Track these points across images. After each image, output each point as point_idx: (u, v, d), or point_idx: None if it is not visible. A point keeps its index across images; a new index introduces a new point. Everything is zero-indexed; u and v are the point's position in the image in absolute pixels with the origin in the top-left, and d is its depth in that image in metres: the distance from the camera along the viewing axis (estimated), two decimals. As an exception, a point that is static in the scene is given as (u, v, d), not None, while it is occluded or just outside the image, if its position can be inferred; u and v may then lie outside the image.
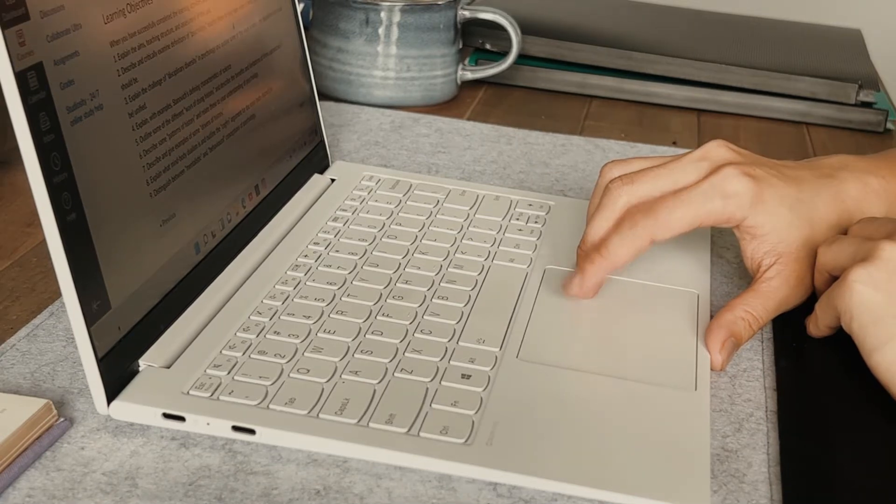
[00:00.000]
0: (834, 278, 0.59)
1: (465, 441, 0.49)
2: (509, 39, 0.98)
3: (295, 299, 0.59)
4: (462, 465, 0.48)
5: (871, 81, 1.02)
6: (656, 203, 0.60)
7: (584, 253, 0.62)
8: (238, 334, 0.55)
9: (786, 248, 0.61)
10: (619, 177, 0.62)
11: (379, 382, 0.52)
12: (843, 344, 0.58)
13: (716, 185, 0.60)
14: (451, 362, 0.55)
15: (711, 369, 0.57)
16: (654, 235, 0.60)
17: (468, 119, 0.96)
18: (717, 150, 0.62)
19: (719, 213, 0.60)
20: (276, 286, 0.60)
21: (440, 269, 0.64)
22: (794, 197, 0.61)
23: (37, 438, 0.48)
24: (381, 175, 0.77)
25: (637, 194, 0.61)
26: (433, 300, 0.60)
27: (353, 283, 0.61)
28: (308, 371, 0.53)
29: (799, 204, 0.61)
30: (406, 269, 0.64)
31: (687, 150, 0.64)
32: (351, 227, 0.69)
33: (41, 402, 0.49)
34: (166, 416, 0.49)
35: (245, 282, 0.61)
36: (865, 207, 0.63)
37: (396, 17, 0.94)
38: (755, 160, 0.63)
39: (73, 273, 0.47)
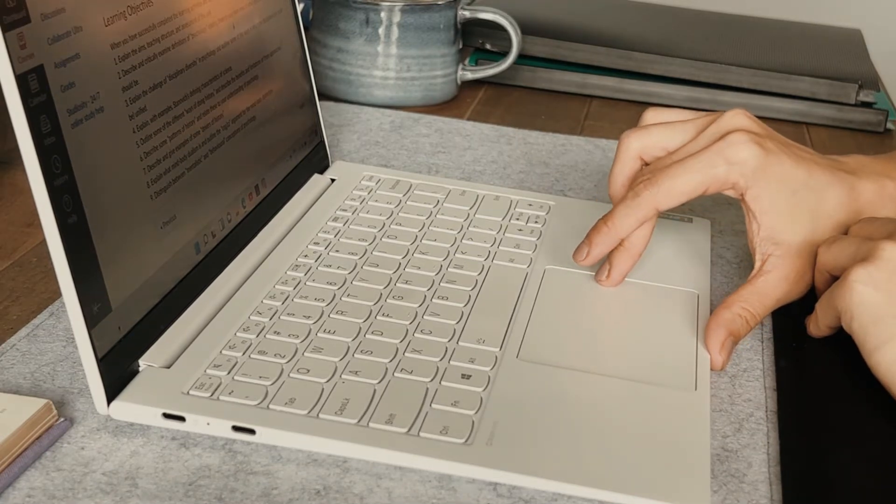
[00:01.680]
0: (834, 278, 0.59)
1: (465, 441, 0.49)
2: (509, 39, 0.98)
3: (295, 299, 0.59)
4: (462, 465, 0.48)
5: (871, 81, 1.02)
6: (659, 172, 0.60)
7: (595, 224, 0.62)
8: (238, 334, 0.55)
9: (785, 238, 0.60)
10: (633, 128, 0.63)
11: (379, 382, 0.52)
12: (843, 344, 0.58)
13: (721, 150, 0.59)
14: (451, 362, 0.55)
15: (712, 369, 0.57)
16: (658, 204, 0.60)
17: (468, 119, 0.96)
18: (733, 117, 0.61)
19: (723, 180, 0.59)
20: (276, 286, 0.60)
21: (440, 269, 0.64)
22: (802, 181, 0.60)
23: (37, 438, 0.48)
24: (381, 175, 0.77)
25: (648, 141, 0.62)
26: (433, 300, 0.60)
27: (353, 283, 0.62)
28: (308, 371, 0.53)
29: (805, 190, 0.60)
30: (406, 269, 0.64)
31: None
32: (351, 227, 0.69)
33: (41, 402, 0.49)
34: (166, 416, 0.49)
35: (245, 282, 0.61)
36: (879, 210, 0.62)
37: (396, 17, 0.94)
38: (771, 134, 0.62)
39: (73, 274, 0.47)
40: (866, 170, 0.63)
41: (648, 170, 0.62)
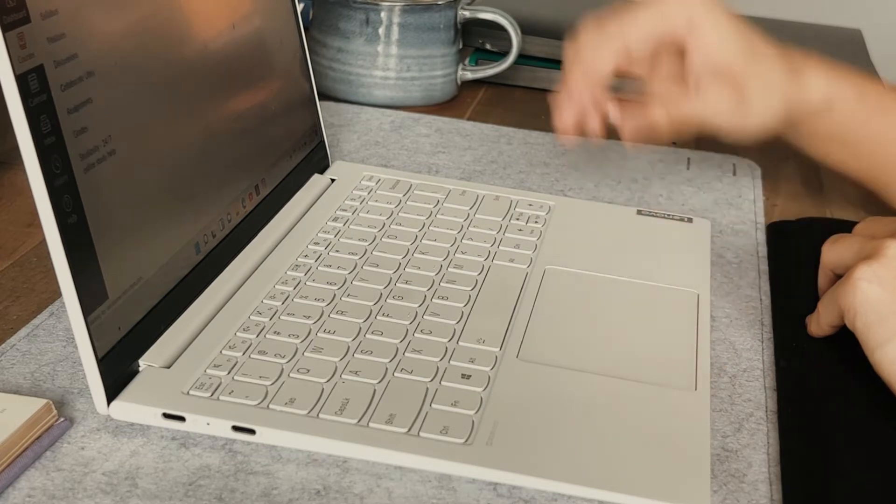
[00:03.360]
0: (838, 277, 0.59)
1: (465, 441, 0.49)
2: (509, 39, 0.98)
3: (295, 299, 0.59)
4: (462, 465, 0.48)
5: (871, 81, 1.02)
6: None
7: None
8: (238, 334, 0.55)
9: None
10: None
11: (379, 382, 0.52)
12: (843, 343, 0.58)
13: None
14: (451, 362, 0.55)
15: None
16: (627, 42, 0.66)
17: (468, 119, 0.96)
18: None
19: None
20: (277, 286, 0.60)
21: (440, 269, 0.64)
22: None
23: (37, 438, 0.48)
24: (381, 175, 0.77)
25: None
26: (433, 300, 0.60)
27: (353, 283, 0.62)
28: (308, 371, 0.53)
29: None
30: (406, 269, 0.64)
31: None
32: (351, 227, 0.69)
33: (41, 402, 0.49)
34: (166, 416, 0.49)
35: (245, 282, 0.61)
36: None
37: (396, 17, 0.94)
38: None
39: (73, 274, 0.47)
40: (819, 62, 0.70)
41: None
